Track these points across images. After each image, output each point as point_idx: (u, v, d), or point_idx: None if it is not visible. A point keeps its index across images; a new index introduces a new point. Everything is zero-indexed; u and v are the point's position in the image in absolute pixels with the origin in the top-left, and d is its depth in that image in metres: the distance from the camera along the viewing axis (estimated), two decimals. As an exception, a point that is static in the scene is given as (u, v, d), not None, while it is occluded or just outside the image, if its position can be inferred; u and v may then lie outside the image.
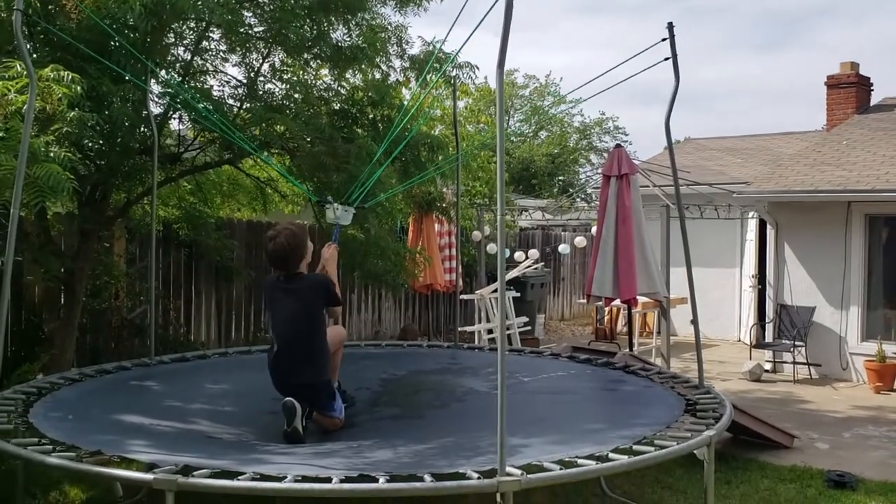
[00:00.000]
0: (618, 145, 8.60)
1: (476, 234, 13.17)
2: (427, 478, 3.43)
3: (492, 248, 13.58)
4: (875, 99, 13.62)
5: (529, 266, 13.01)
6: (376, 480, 3.39)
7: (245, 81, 8.27)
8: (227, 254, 9.64)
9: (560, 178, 33.88)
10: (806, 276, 10.81)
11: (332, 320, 5.17)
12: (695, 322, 6.14)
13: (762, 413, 7.54)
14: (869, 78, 13.48)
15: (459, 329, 10.77)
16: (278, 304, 4.72)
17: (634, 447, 4.04)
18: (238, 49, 8.07)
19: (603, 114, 34.55)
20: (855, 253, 10.45)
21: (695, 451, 4.36)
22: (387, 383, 6.22)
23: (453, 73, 8.77)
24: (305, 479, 3.43)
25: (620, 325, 13.75)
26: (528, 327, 12.75)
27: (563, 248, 15.10)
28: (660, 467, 5.87)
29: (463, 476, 3.48)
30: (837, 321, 10.57)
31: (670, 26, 5.50)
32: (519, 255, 13.69)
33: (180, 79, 7.36)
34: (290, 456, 4.15)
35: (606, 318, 13.75)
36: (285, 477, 3.43)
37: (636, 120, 53.59)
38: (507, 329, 11.36)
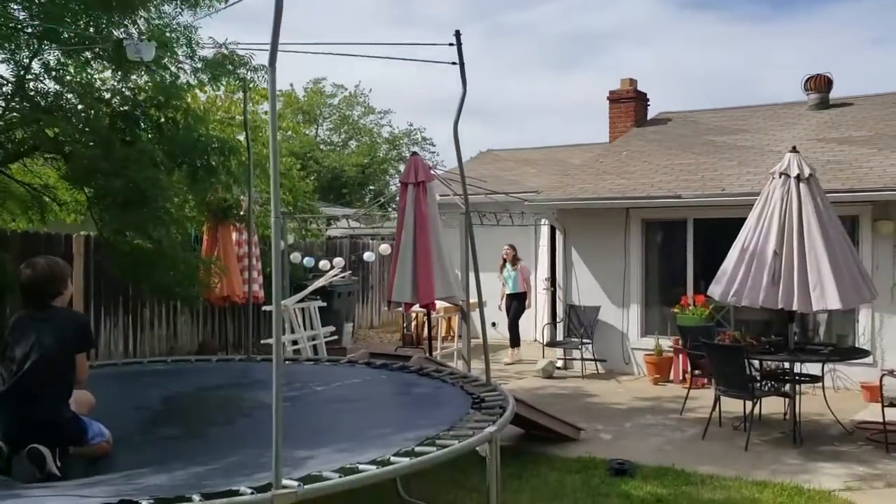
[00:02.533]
0: (414, 153, 8.72)
1: (279, 243, 12.85)
2: (196, 497, 3.26)
3: (296, 256, 13.37)
4: (651, 113, 14.81)
5: (335, 275, 12.90)
6: (138, 504, 3.17)
7: (14, 80, 7.62)
8: (-6, 269, 8.76)
9: (371, 187, 34.11)
10: (592, 279, 11.51)
11: (78, 383, 4.39)
12: (482, 322, 6.44)
13: (552, 408, 7.89)
14: (646, 94, 14.62)
15: (263, 342, 10.50)
16: (27, 336, 4.25)
17: (417, 448, 4.07)
18: (5, 45, 7.44)
19: (411, 125, 35.31)
20: (634, 256, 11.26)
21: (477, 449, 4.47)
22: (169, 402, 5.88)
23: (248, 76, 8.56)
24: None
25: (427, 331, 13.96)
26: (335, 337, 12.61)
27: (368, 256, 15.17)
28: (454, 467, 5.85)
29: (236, 493, 3.33)
30: (620, 319, 11.34)
31: (457, 34, 5.70)
32: (324, 263, 13.55)
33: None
34: (51, 489, 3.79)
35: (413, 324, 13.91)
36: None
37: (445, 132, 55.05)
38: (314, 339, 11.19)
